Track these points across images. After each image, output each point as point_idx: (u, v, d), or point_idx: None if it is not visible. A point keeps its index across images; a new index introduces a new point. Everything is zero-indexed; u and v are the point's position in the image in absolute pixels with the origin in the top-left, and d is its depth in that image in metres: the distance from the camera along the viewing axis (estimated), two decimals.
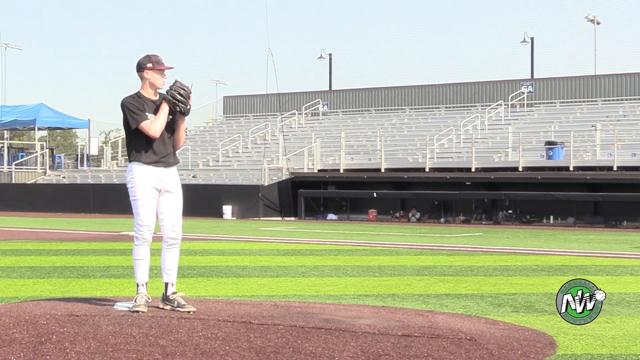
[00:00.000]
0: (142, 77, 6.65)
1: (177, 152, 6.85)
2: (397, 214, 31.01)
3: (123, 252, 14.60)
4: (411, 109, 42.27)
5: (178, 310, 6.45)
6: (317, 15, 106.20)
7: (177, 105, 6.61)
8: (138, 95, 6.65)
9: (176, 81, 6.69)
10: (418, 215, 30.52)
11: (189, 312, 6.40)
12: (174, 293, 6.61)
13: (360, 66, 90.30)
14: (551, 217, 28.45)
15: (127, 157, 40.96)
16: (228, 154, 39.38)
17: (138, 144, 6.57)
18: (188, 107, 6.67)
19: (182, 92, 6.63)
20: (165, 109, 6.59)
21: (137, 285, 6.61)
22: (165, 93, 6.65)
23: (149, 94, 6.67)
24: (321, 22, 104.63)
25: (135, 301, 6.51)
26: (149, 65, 6.60)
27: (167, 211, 6.61)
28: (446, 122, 37.69)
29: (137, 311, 6.32)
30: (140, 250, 6.60)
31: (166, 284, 6.65)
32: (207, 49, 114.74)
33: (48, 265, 11.91)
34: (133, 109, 6.52)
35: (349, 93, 45.43)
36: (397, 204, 31.35)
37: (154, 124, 6.52)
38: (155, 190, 6.58)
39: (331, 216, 31.55)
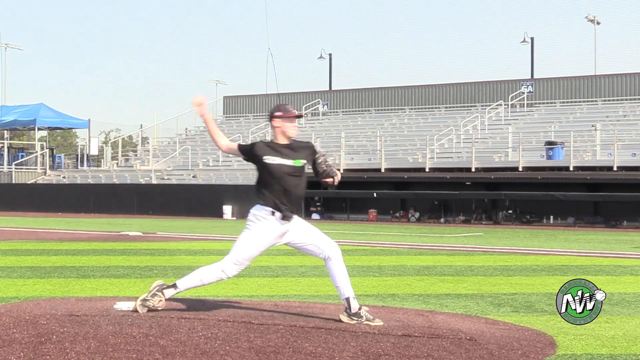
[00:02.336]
0: (273, 126, 6.55)
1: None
2: (397, 214, 31.00)
3: (123, 252, 14.60)
4: (411, 109, 42.27)
5: (368, 324, 6.27)
6: (317, 15, 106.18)
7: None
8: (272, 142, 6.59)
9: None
10: (418, 215, 30.52)
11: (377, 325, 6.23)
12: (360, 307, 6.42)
13: (360, 66, 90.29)
14: (551, 217, 28.45)
15: (127, 157, 40.72)
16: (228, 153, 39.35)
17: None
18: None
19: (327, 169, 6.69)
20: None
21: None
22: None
23: (282, 140, 6.54)
24: (321, 22, 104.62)
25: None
26: (278, 113, 6.51)
27: (312, 235, 6.64)
28: (446, 122, 37.69)
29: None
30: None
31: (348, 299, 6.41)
32: (207, 49, 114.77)
33: (48, 265, 11.91)
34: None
35: (349, 93, 45.43)
36: (397, 204, 31.35)
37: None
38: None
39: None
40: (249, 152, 6.53)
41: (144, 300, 6.42)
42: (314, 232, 6.49)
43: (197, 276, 6.50)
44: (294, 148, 6.51)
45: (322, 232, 6.60)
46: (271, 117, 6.53)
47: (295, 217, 6.48)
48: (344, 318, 6.35)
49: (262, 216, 6.42)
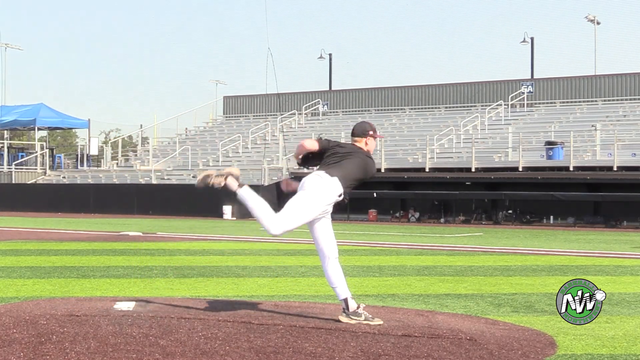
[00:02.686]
0: (362, 142, 6.93)
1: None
2: (397, 214, 31.00)
3: (123, 252, 14.60)
4: (411, 109, 42.27)
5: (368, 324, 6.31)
6: (317, 15, 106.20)
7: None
8: None
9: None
10: (418, 215, 30.51)
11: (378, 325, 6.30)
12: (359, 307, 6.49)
13: (360, 66, 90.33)
14: (551, 217, 28.44)
15: (127, 157, 40.70)
16: (228, 154, 39.38)
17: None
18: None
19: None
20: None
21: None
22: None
23: None
24: (321, 22, 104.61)
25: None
26: (371, 132, 6.96)
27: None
28: (446, 122, 37.69)
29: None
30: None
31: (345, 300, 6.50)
32: (207, 49, 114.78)
33: (48, 265, 11.91)
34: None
35: (349, 93, 45.42)
36: (397, 204, 31.35)
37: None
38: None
39: None
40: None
41: (207, 176, 6.52)
42: (330, 227, 6.87)
43: (257, 204, 6.52)
44: None
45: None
46: (367, 134, 6.96)
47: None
48: (343, 319, 6.37)
49: (327, 179, 6.62)
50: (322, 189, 6.59)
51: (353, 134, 6.98)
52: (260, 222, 6.49)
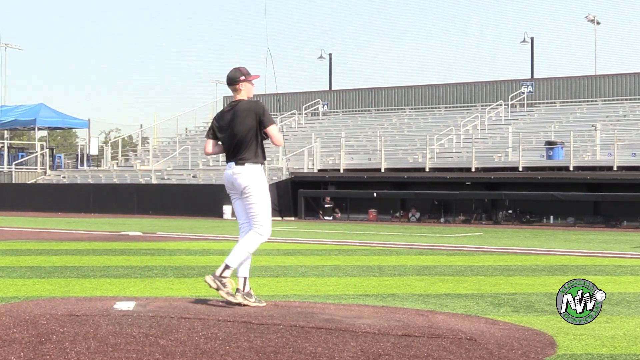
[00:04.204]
0: (236, 90, 7.06)
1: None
2: (397, 214, 31.00)
3: (123, 252, 14.60)
4: (411, 109, 42.27)
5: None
6: (317, 15, 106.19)
7: None
8: None
9: None
10: (418, 215, 30.52)
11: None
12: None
13: (360, 66, 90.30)
14: (551, 217, 28.44)
15: (127, 157, 40.60)
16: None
17: (262, 147, 7.03)
18: None
19: None
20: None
21: (229, 269, 6.91)
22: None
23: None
24: (321, 22, 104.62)
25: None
26: (242, 77, 7.05)
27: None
28: (446, 122, 37.69)
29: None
30: (257, 246, 7.10)
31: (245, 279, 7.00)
32: (207, 49, 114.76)
33: (48, 265, 11.91)
34: (268, 110, 7.06)
35: (349, 93, 45.43)
36: (397, 204, 31.35)
37: (280, 134, 7.08)
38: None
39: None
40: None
41: (227, 294, 6.88)
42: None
43: (242, 250, 6.99)
44: None
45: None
46: (237, 80, 7.05)
47: None
48: (239, 298, 6.88)
49: (256, 172, 7.03)
50: (262, 182, 7.09)
51: (228, 84, 7.13)
52: (256, 248, 7.09)
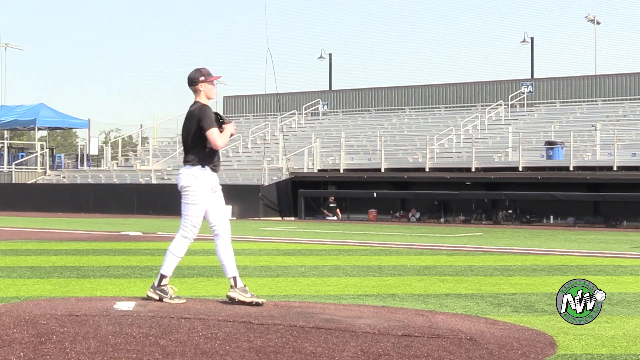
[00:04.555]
0: (196, 90, 7.09)
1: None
2: (397, 214, 31.00)
3: (123, 252, 14.60)
4: (411, 109, 42.26)
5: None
6: (317, 15, 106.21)
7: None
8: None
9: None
10: (418, 215, 30.52)
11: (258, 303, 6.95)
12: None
13: (360, 66, 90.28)
14: (551, 217, 28.45)
15: (127, 157, 40.60)
16: (228, 154, 39.36)
17: (204, 150, 7.01)
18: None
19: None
20: (230, 128, 7.06)
21: (165, 277, 7.03)
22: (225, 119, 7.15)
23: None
24: (321, 22, 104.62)
25: (167, 293, 7.00)
26: (202, 78, 7.06)
27: (220, 209, 7.20)
28: (446, 122, 37.69)
29: (181, 301, 6.95)
30: (185, 249, 7.17)
31: (234, 278, 7.07)
32: (207, 49, 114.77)
33: (48, 265, 11.90)
34: (210, 117, 6.97)
35: (349, 93, 45.42)
36: (397, 204, 31.35)
37: (224, 137, 7.02)
38: (210, 192, 7.10)
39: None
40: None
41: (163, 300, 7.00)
42: (218, 204, 7.21)
43: (171, 256, 7.15)
44: None
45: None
46: (196, 81, 7.08)
47: (218, 185, 7.22)
48: (232, 294, 7.01)
49: (194, 174, 7.05)
50: (199, 185, 7.09)
51: (188, 85, 7.15)
52: (184, 250, 7.25)
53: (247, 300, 6.95)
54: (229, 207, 31.33)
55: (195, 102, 7.09)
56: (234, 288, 7.02)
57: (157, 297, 6.99)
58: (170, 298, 6.96)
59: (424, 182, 31.06)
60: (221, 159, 7.42)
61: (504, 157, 31.54)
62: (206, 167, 7.03)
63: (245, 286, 7.08)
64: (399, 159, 33.66)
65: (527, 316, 7.42)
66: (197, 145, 7.01)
